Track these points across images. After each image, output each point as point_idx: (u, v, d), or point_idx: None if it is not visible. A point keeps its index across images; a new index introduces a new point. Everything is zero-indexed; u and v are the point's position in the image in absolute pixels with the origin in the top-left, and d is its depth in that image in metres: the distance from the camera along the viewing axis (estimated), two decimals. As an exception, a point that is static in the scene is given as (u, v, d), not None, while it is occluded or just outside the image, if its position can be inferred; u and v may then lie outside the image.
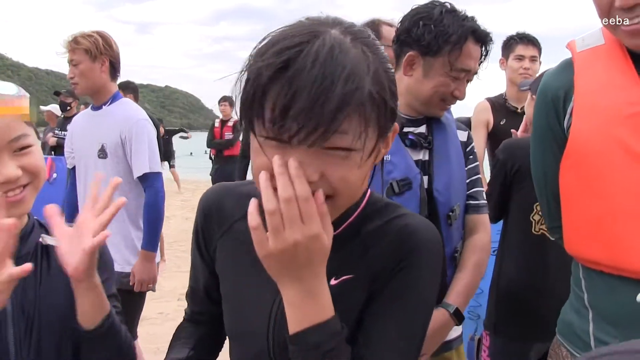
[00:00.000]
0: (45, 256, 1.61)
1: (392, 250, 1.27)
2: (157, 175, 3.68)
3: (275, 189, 1.06)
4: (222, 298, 1.46)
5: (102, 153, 3.64)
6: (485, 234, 2.37)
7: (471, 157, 2.41)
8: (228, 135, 11.10)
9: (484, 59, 2.22)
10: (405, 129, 2.25)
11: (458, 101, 2.27)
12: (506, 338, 2.96)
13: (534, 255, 2.90)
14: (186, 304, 1.65)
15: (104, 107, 3.73)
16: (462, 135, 2.41)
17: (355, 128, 1.05)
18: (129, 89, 7.24)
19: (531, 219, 2.91)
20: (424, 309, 1.31)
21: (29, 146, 1.51)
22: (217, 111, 11.79)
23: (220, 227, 1.43)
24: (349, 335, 1.20)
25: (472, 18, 2.17)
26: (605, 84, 1.75)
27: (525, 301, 2.90)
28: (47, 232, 1.61)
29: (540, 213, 2.91)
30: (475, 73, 2.23)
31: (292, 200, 1.04)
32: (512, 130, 3.56)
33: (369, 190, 1.36)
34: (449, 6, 2.18)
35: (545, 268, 2.89)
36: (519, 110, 4.33)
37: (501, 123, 4.38)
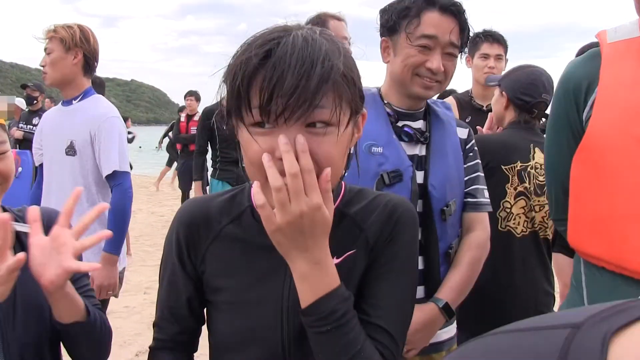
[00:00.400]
0: (18, 243, 1.64)
1: (381, 223, 1.42)
2: (126, 175, 3.50)
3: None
4: (215, 309, 1.49)
5: (71, 150, 3.49)
6: (483, 232, 2.34)
7: (471, 154, 2.38)
8: (194, 129, 11.04)
9: (468, 33, 2.18)
10: (401, 122, 2.24)
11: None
12: (468, 333, 2.98)
13: (500, 252, 2.89)
14: (153, 300, 1.64)
15: (74, 102, 3.60)
16: (463, 133, 2.38)
17: (332, 103, 1.18)
18: (95, 84, 7.12)
19: (497, 215, 2.94)
20: (412, 269, 1.47)
21: (5, 152, 1.56)
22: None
23: (208, 234, 1.46)
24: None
25: None
26: (634, 77, 1.70)
27: (489, 297, 2.91)
28: (16, 220, 1.62)
29: (506, 210, 2.95)
30: (456, 46, 2.15)
31: (298, 175, 1.14)
32: (478, 127, 3.57)
33: (343, 182, 1.49)
34: None
35: (510, 265, 2.93)
36: (484, 108, 4.32)
37: (466, 120, 4.38)
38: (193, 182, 6.66)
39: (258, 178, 1.21)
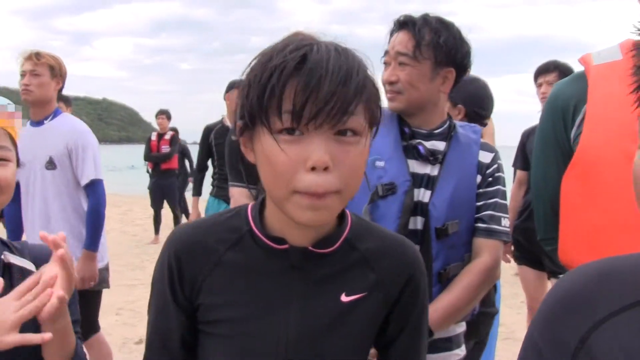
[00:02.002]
0: (7, 275, 1.57)
1: (396, 270, 1.37)
2: (100, 182, 4.11)
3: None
4: (210, 340, 1.36)
5: (51, 165, 3.99)
6: (488, 258, 2.24)
7: (491, 179, 2.32)
8: (165, 148, 11.11)
9: (429, 40, 2.21)
10: (416, 141, 2.27)
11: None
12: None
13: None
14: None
15: (45, 122, 4.07)
16: (486, 157, 2.34)
17: (362, 113, 1.16)
18: (65, 100, 7.24)
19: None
20: (427, 321, 1.48)
21: (7, 160, 1.54)
22: (155, 124, 11.72)
23: (204, 264, 1.33)
24: (360, 352, 1.37)
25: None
26: (620, 97, 1.71)
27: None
28: (9, 250, 1.61)
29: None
30: (405, 55, 2.21)
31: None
32: None
33: (347, 210, 1.40)
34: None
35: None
36: None
37: None
38: (192, 198, 6.75)
39: (283, 191, 1.16)
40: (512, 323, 6.08)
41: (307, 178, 1.12)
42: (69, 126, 4.11)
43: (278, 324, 1.30)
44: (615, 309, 0.88)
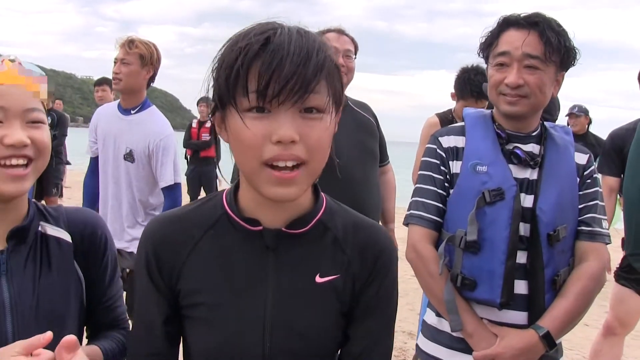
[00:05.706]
0: (45, 247, 1.57)
1: (365, 252, 1.42)
2: (177, 186, 4.09)
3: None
4: (191, 324, 1.42)
5: (130, 157, 4.00)
6: (596, 262, 2.22)
7: (589, 181, 2.30)
8: (205, 136, 10.86)
9: (558, 43, 2.15)
10: (512, 145, 2.25)
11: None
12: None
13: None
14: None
15: (132, 112, 4.07)
16: (582, 158, 2.34)
17: (325, 90, 1.24)
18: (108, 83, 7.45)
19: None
20: (396, 306, 1.49)
21: (41, 122, 1.50)
22: (195, 111, 11.55)
23: (182, 251, 1.40)
24: (337, 331, 1.42)
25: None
26: None
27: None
28: (46, 219, 1.60)
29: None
30: (535, 57, 2.14)
31: None
32: None
33: (324, 195, 1.48)
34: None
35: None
36: None
37: None
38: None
39: (252, 164, 1.23)
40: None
41: (274, 148, 1.19)
42: (154, 126, 4.07)
43: (255, 309, 1.36)
44: None
